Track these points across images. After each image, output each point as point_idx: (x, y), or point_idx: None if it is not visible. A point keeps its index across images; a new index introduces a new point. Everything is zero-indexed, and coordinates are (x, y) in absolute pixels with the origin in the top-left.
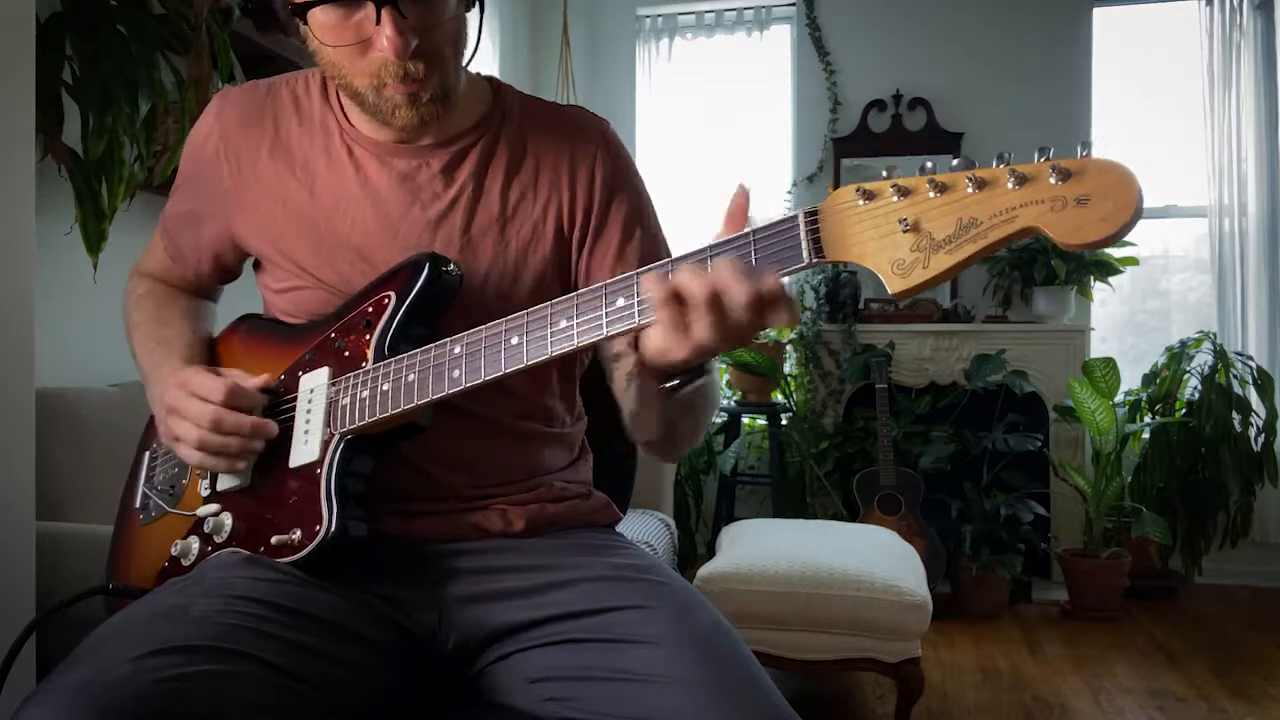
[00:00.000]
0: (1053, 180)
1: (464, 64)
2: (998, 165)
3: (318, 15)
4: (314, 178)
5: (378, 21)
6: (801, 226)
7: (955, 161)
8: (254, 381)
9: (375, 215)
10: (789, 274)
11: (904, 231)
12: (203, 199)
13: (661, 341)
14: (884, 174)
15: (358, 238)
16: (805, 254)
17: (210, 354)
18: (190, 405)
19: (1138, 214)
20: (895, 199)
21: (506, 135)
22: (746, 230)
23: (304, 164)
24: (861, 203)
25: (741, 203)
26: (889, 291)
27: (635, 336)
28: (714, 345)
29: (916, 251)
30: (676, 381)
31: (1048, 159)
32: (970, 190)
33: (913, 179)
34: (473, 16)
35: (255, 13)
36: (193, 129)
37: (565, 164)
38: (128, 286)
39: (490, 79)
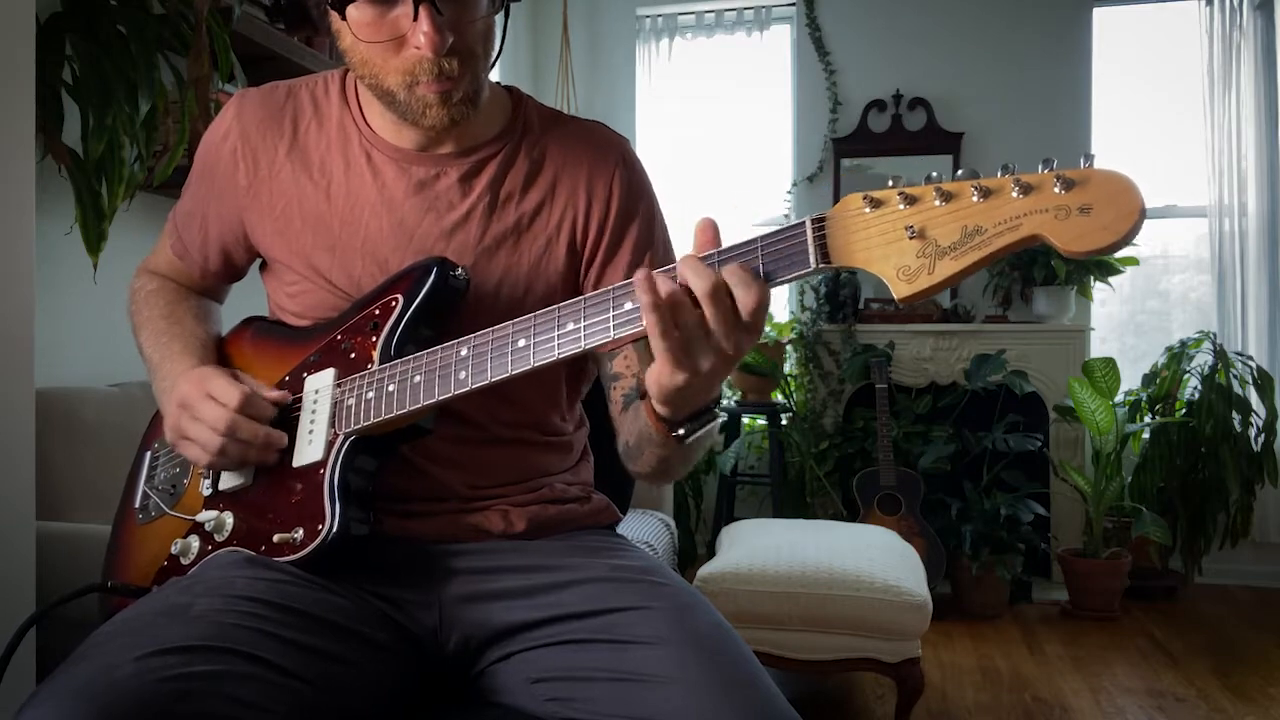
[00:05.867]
0: (1056, 189)
1: (490, 67)
2: (1002, 175)
3: (353, 12)
4: (330, 180)
5: (415, 18)
6: (809, 233)
7: (960, 171)
8: (271, 394)
9: (390, 221)
10: (795, 279)
11: (910, 238)
12: (217, 197)
13: (658, 361)
14: (890, 182)
15: (372, 242)
16: (812, 260)
17: (219, 355)
18: (206, 407)
19: (1139, 223)
20: (901, 206)
21: (526, 147)
22: (755, 236)
23: (321, 166)
24: (868, 210)
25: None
26: (895, 297)
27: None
28: (705, 356)
29: (922, 258)
30: (682, 431)
31: (1052, 169)
32: (975, 199)
33: (919, 187)
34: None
35: (286, 11)
36: (210, 127)
37: (583, 179)
38: (135, 283)
39: (511, 90)
